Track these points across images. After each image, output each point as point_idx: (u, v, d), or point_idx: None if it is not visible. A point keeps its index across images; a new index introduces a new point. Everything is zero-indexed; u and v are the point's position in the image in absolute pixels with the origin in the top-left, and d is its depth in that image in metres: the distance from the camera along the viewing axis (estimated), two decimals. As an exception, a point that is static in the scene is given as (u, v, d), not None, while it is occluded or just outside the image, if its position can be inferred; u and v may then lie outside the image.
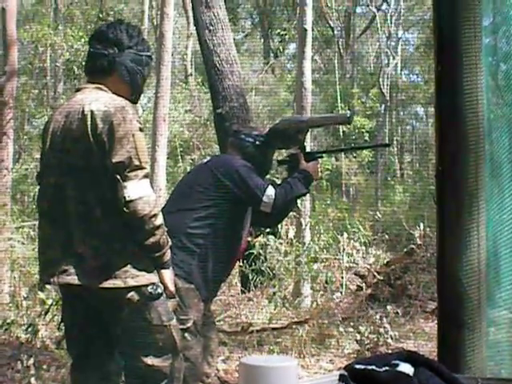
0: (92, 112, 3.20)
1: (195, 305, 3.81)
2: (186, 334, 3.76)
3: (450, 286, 2.48)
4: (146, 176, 3.23)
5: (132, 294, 3.21)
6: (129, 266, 3.20)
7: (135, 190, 3.16)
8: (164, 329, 3.30)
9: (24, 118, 15.66)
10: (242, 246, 4.04)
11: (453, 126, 2.49)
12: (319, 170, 4.04)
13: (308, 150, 4.05)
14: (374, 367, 1.64)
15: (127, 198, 3.14)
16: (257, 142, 4.05)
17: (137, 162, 3.18)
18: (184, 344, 3.67)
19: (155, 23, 17.27)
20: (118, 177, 3.15)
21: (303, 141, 3.97)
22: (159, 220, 3.24)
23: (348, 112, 3.67)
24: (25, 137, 14.95)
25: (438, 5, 2.56)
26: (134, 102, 3.49)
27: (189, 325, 3.77)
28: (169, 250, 3.33)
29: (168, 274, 3.35)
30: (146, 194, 3.19)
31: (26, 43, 15.76)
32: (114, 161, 3.15)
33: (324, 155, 4.45)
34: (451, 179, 2.48)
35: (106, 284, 3.17)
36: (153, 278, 3.27)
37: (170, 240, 3.33)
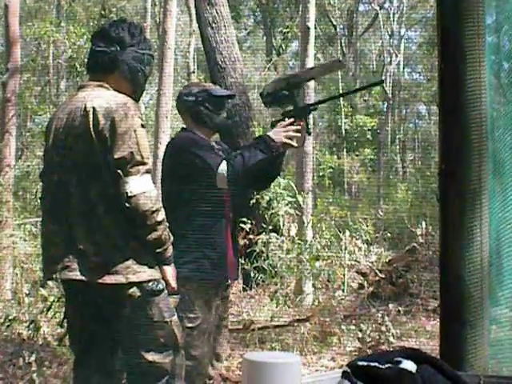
0: (94, 109, 3.21)
1: (204, 303, 3.81)
2: (195, 333, 3.75)
3: (452, 284, 2.48)
4: (147, 171, 3.23)
5: (133, 290, 3.22)
6: (130, 261, 3.20)
7: (137, 185, 3.17)
8: (165, 325, 3.29)
9: (26, 114, 15.67)
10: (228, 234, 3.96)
11: (456, 124, 2.49)
12: (290, 132, 3.71)
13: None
14: (376, 364, 1.65)
15: (129, 194, 3.15)
16: (199, 99, 3.98)
17: (138, 158, 3.19)
18: (191, 342, 3.68)
19: (158, 20, 17.28)
20: (120, 172, 3.16)
21: (296, 97, 3.81)
22: (161, 215, 3.24)
23: (339, 57, 3.40)
24: (27, 134, 14.97)
25: (442, 2, 2.56)
26: (136, 99, 3.50)
27: (197, 323, 3.77)
28: (171, 246, 3.33)
29: (170, 270, 3.35)
30: (147, 189, 3.19)
31: (29, 40, 15.78)
32: (115, 156, 3.16)
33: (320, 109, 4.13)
34: (454, 177, 2.48)
35: (108, 280, 3.17)
36: (154, 274, 3.27)
37: (171, 236, 3.33)
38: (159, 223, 3.23)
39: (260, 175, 3.78)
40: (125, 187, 3.16)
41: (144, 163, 3.21)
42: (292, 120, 3.71)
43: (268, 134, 3.73)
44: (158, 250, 3.28)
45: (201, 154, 3.76)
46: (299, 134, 3.70)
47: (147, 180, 3.22)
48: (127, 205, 3.16)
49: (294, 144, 3.71)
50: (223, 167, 3.67)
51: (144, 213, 3.18)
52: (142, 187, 3.18)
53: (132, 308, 3.24)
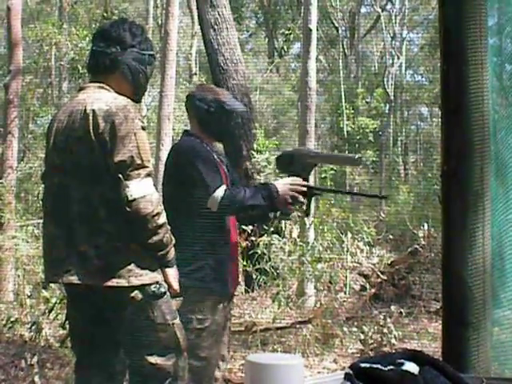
0: (94, 111, 3.20)
1: (212, 305, 3.81)
2: (204, 334, 3.75)
3: (454, 286, 2.47)
4: (148, 175, 3.22)
5: (136, 293, 3.21)
6: (132, 264, 3.20)
7: (138, 188, 3.15)
8: (168, 328, 3.29)
9: (29, 116, 15.68)
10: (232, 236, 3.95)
11: (458, 126, 2.49)
12: (293, 198, 3.71)
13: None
14: (379, 366, 1.64)
15: (130, 197, 3.14)
16: (211, 109, 3.93)
17: (139, 161, 3.18)
18: (200, 344, 3.68)
19: (160, 22, 17.28)
20: (121, 176, 3.15)
21: (308, 176, 3.85)
22: (162, 219, 3.23)
23: (359, 155, 3.44)
24: (29, 135, 14.97)
25: (444, 4, 2.56)
26: (137, 101, 3.49)
27: (206, 324, 3.77)
28: (173, 249, 3.32)
29: (172, 273, 3.34)
30: (148, 192, 3.18)
31: (31, 42, 15.79)
32: (116, 160, 3.15)
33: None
34: (457, 179, 2.48)
35: (110, 283, 3.17)
36: (156, 276, 3.27)
37: (173, 238, 3.32)
38: (160, 226, 3.23)
39: (250, 217, 3.88)
40: (125, 191, 3.15)
41: (144, 166, 3.20)
42: (303, 182, 3.72)
43: (275, 183, 3.74)
44: (159, 253, 3.27)
45: (201, 170, 3.72)
46: (302, 198, 3.72)
47: (148, 184, 3.21)
48: (128, 209, 3.15)
49: (291, 207, 3.75)
50: (220, 193, 3.66)
51: (145, 217, 3.17)
52: (143, 191, 3.17)
53: (134, 311, 3.23)
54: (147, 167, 3.22)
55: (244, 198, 3.65)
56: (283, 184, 3.71)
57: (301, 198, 3.71)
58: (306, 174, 3.78)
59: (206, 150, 3.90)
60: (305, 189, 3.70)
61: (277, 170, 4.02)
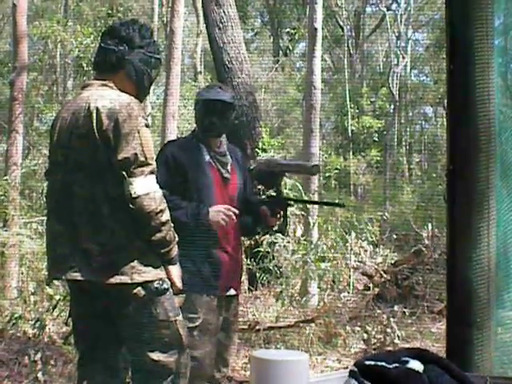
0: (98, 109, 3.21)
1: (205, 303, 3.80)
2: (195, 333, 3.75)
3: (459, 285, 2.48)
4: (152, 172, 3.23)
5: (138, 290, 3.22)
6: (135, 261, 3.20)
7: (141, 186, 3.17)
8: (170, 324, 3.29)
9: (33, 113, 15.70)
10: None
11: (464, 125, 2.49)
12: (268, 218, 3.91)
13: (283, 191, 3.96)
14: (384, 364, 1.65)
15: (133, 195, 3.15)
16: (197, 105, 4.01)
17: (142, 158, 3.19)
18: (191, 342, 3.67)
19: (165, 21, 17.28)
20: (124, 173, 3.16)
21: (279, 185, 3.90)
22: (165, 216, 3.24)
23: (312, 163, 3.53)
24: (34, 132, 14.98)
25: (450, 4, 2.56)
26: (139, 101, 3.49)
27: (197, 323, 3.76)
28: (176, 246, 3.33)
29: (175, 270, 3.35)
30: (152, 189, 3.20)
31: (36, 39, 15.82)
32: (119, 157, 3.16)
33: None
34: (462, 178, 2.48)
35: (113, 280, 3.17)
36: (159, 273, 3.27)
37: (176, 236, 3.33)
38: (164, 224, 3.23)
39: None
40: (129, 188, 3.16)
41: (148, 164, 3.21)
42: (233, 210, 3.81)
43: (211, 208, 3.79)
44: (162, 251, 3.28)
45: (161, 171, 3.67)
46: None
47: (151, 181, 3.22)
48: (131, 206, 3.16)
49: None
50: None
51: (148, 214, 3.18)
52: (147, 188, 3.18)
53: (137, 307, 3.24)
54: (151, 164, 3.23)
55: (173, 206, 3.60)
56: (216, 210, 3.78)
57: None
58: (275, 184, 3.83)
59: (197, 150, 3.92)
60: (231, 213, 3.79)
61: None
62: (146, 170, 3.20)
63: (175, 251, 3.33)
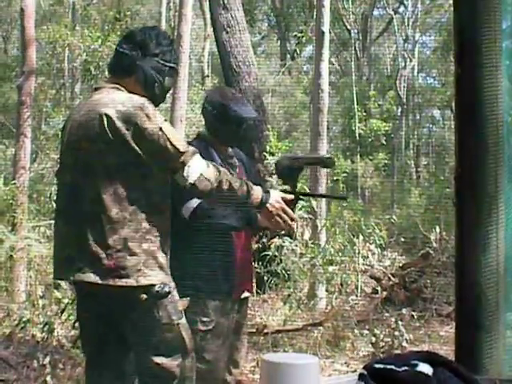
0: (109, 114, 3.20)
1: (219, 307, 3.80)
2: (209, 336, 3.74)
3: (467, 288, 2.47)
4: (192, 154, 3.29)
5: (142, 293, 3.22)
6: (141, 264, 3.21)
7: (190, 174, 3.25)
8: (173, 328, 3.29)
9: (41, 117, 15.73)
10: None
11: (472, 128, 2.49)
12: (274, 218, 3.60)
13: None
14: (393, 367, 1.65)
15: (188, 186, 3.26)
16: (217, 114, 3.88)
17: (174, 151, 3.23)
18: (205, 346, 3.67)
19: (172, 24, 17.30)
20: (167, 173, 3.29)
21: (297, 179, 3.83)
22: (226, 184, 3.34)
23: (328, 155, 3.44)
24: (42, 136, 15.00)
25: (459, 6, 2.56)
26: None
27: (210, 327, 3.76)
28: (250, 189, 3.42)
29: (273, 198, 3.49)
30: (201, 170, 3.28)
31: (44, 44, 15.85)
32: (153, 161, 3.23)
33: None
34: (470, 181, 2.48)
35: (119, 282, 3.18)
36: (164, 277, 3.27)
37: (242, 182, 3.43)
38: (230, 187, 3.35)
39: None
40: (182, 181, 3.26)
41: (184, 152, 3.26)
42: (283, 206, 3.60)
43: (259, 213, 3.62)
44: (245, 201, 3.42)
45: None
46: (289, 223, 3.66)
47: (197, 162, 3.29)
48: (196, 197, 3.38)
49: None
50: (192, 204, 3.63)
51: (211, 191, 3.30)
52: (196, 172, 3.26)
53: (140, 311, 3.24)
54: (186, 152, 3.27)
55: (217, 216, 3.63)
56: (265, 215, 3.58)
57: (289, 221, 3.62)
58: (293, 179, 3.78)
59: (208, 154, 3.81)
60: (290, 217, 3.61)
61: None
62: (185, 158, 3.25)
63: (252, 191, 3.44)
